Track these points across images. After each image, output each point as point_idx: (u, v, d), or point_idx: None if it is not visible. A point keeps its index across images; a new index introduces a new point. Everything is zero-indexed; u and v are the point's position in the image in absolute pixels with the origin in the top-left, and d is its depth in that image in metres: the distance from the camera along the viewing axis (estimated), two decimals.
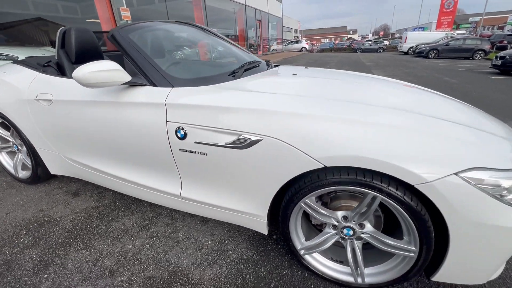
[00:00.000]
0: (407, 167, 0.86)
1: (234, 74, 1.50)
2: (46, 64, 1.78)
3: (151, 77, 1.31)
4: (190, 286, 1.19)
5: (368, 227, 1.07)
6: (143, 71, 1.32)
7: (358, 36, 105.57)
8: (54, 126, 1.61)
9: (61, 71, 1.74)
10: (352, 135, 0.94)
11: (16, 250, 1.41)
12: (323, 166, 0.96)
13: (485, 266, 0.95)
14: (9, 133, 1.95)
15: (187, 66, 1.52)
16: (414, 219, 0.92)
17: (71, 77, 1.50)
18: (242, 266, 1.29)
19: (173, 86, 1.29)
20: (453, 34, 20.81)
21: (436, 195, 0.86)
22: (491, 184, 0.85)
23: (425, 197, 0.90)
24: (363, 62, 13.30)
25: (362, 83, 1.51)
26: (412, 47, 19.03)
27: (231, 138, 1.09)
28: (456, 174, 0.84)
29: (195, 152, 1.19)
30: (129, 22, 7.27)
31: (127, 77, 1.26)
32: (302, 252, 1.19)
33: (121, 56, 2.28)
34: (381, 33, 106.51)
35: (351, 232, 1.09)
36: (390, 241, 1.03)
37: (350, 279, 1.14)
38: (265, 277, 1.23)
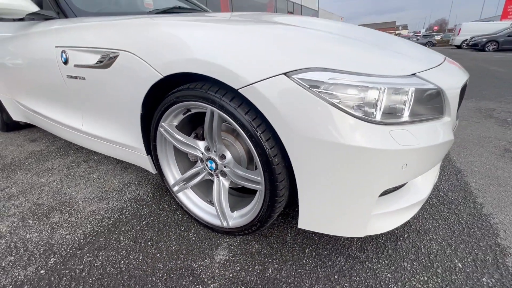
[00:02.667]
0: (230, 67, 0.71)
1: (151, 12, 1.44)
2: None
3: (62, 11, 1.30)
4: (67, 214, 1.17)
5: (228, 157, 0.91)
6: (54, 8, 1.32)
7: (408, 32, 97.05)
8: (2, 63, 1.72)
9: None
10: (189, 40, 0.81)
11: None
12: (162, 76, 0.85)
13: (355, 210, 0.75)
14: None
15: (106, 6, 1.49)
16: (250, 137, 0.76)
17: None
18: (128, 204, 1.23)
19: (76, 17, 1.28)
20: None
21: (260, 101, 0.69)
22: (337, 90, 0.65)
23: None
24: None
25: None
26: (466, 39, 16.76)
27: (97, 57, 1.03)
28: (285, 74, 0.67)
29: (76, 77, 1.16)
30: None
31: (34, 8, 1.28)
32: (175, 188, 1.08)
33: None
34: (436, 27, 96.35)
35: (214, 166, 0.95)
36: (241, 171, 0.87)
37: (217, 221, 1.00)
38: (143, 215, 1.15)
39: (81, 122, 1.34)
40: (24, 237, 1.04)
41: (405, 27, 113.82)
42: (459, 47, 18.05)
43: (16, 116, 2.00)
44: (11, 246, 0.99)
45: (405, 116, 0.70)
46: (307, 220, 0.81)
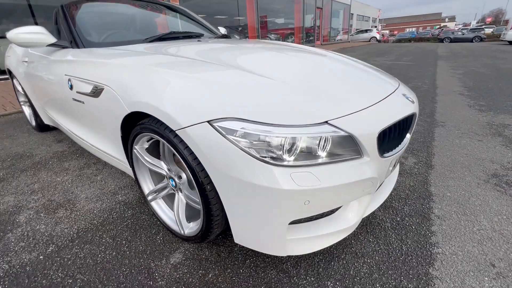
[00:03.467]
0: (168, 111, 0.88)
1: (147, 39, 1.66)
2: None
3: (70, 40, 1.58)
4: (69, 211, 1.45)
5: (183, 178, 1.09)
6: (68, 38, 1.60)
7: (456, 24, 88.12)
8: (31, 83, 2.09)
9: None
10: (141, 85, 1.00)
11: None
12: (129, 112, 1.05)
13: (271, 234, 0.89)
14: (21, 88, 2.57)
15: (111, 36, 1.74)
16: (189, 167, 0.92)
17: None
18: (117, 206, 1.48)
19: (84, 47, 1.53)
20: None
21: (191, 142, 0.85)
22: (247, 138, 0.79)
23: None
24: (435, 53, 11.30)
25: (252, 49, 1.46)
26: None
27: (89, 88, 1.27)
28: (209, 122, 0.82)
29: (78, 101, 1.42)
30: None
31: (52, 39, 1.56)
32: (149, 198, 1.29)
33: None
34: (489, 19, 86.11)
35: (174, 183, 1.14)
36: (188, 192, 1.04)
37: (177, 228, 1.19)
38: (126, 217, 1.39)
39: (84, 132, 1.61)
40: (34, 228, 1.33)
41: (452, 18, 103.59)
42: (511, 43, 16.22)
43: (46, 121, 2.39)
44: (24, 234, 1.29)
45: (312, 160, 0.81)
46: (239, 237, 0.96)
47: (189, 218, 1.16)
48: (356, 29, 31.66)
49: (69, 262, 1.12)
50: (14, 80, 2.58)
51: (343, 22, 22.11)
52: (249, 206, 0.85)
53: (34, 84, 2.06)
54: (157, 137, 1.00)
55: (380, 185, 1.20)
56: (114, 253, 1.16)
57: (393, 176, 1.35)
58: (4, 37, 5.91)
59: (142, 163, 1.25)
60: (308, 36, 16.27)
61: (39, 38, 1.53)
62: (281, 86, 0.94)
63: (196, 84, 0.92)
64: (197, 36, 1.97)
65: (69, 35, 1.61)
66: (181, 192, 1.14)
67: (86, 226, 1.33)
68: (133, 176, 1.38)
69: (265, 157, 0.78)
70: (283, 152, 0.79)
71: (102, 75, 1.20)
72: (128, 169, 1.38)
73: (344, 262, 1.09)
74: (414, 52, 11.64)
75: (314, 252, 1.14)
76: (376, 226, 1.29)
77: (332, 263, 1.09)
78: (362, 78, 1.15)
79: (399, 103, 1.06)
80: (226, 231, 1.24)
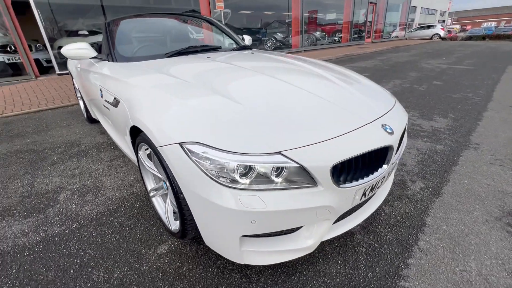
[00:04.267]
0: (152, 130, 1.07)
1: (167, 54, 1.89)
2: (92, 45, 2.72)
3: (107, 55, 1.90)
4: (95, 196, 1.78)
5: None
6: (106, 52, 1.93)
7: None
8: (82, 84, 2.53)
9: (100, 50, 2.64)
10: (142, 102, 1.20)
11: (51, 154, 2.43)
12: (132, 125, 1.27)
13: (228, 243, 1.02)
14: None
15: (141, 50, 2.01)
16: (168, 178, 1.10)
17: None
18: (131, 197, 1.76)
19: (117, 61, 1.84)
20: None
21: (167, 158, 1.03)
22: (207, 159, 0.93)
23: None
24: (510, 56, 9.68)
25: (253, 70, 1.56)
26: None
27: (111, 99, 1.54)
28: (179, 143, 0.98)
29: (106, 107, 1.72)
30: (224, 12, 8.40)
31: (93, 53, 1.90)
32: (151, 194, 1.52)
33: None
34: None
35: (166, 186, 1.34)
36: (172, 199, 1.22)
37: (167, 223, 1.40)
38: (135, 207, 1.65)
39: (111, 131, 1.93)
40: (67, 206, 1.68)
41: None
42: None
43: (93, 115, 2.86)
44: (59, 211, 1.64)
45: (264, 185, 0.91)
46: (207, 241, 1.12)
47: (177, 217, 1.35)
48: (419, 24, 28.57)
49: (85, 238, 1.41)
50: (73, 79, 3.12)
51: (401, 17, 20.19)
52: (209, 217, 0.99)
53: (83, 86, 2.49)
54: (149, 148, 1.20)
55: (361, 204, 1.23)
56: (117, 237, 1.42)
57: (377, 199, 1.35)
58: (82, 34, 7.00)
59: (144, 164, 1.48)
60: (358, 33, 15.34)
61: (84, 52, 1.88)
62: (249, 114, 1.05)
63: (178, 108, 1.08)
64: (215, 48, 2.14)
65: (106, 50, 1.93)
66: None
67: (104, 210, 1.63)
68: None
69: (221, 179, 0.91)
70: (236, 176, 0.90)
71: (120, 90, 1.45)
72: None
73: (305, 278, 1.17)
74: (481, 54, 10.14)
75: (279, 264, 1.23)
76: (350, 248, 1.32)
77: (293, 277, 1.17)
78: (340, 105, 1.18)
79: (372, 134, 1.07)
80: None
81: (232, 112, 1.06)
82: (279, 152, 0.92)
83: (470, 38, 25.50)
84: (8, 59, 5.24)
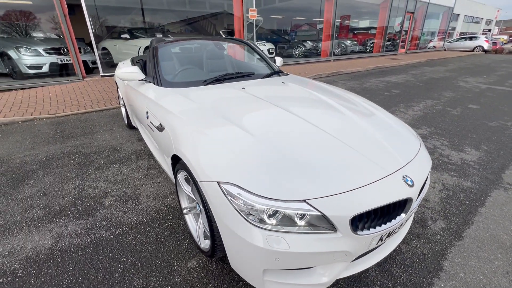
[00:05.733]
0: (194, 165, 1.23)
1: (205, 82, 2.08)
2: (137, 61, 3.01)
3: (154, 78, 2.13)
4: (134, 204, 2.01)
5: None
6: (153, 75, 2.16)
7: None
8: (127, 97, 2.82)
9: (144, 67, 2.91)
10: (187, 138, 1.37)
11: (97, 157, 2.74)
12: (175, 153, 1.46)
13: (251, 272, 1.16)
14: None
15: (184, 73, 2.22)
16: (204, 207, 1.26)
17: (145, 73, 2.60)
18: (165, 209, 1.97)
19: (162, 86, 2.06)
20: None
21: (206, 193, 1.19)
22: (242, 201, 1.07)
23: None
24: None
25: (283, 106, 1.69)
26: None
27: (157, 124, 1.75)
28: (217, 182, 1.14)
29: (150, 128, 1.94)
30: (256, 19, 8.61)
31: (141, 76, 2.15)
32: (184, 211, 1.71)
33: None
34: None
35: (199, 208, 1.51)
36: (204, 223, 1.39)
37: (198, 241, 1.57)
38: (168, 219, 1.85)
39: (152, 147, 2.16)
40: (111, 212, 1.92)
41: None
42: None
43: (133, 123, 3.16)
44: (105, 216, 1.89)
45: (291, 229, 1.04)
46: (233, 264, 1.26)
47: (206, 236, 1.52)
48: (461, 34, 26.84)
49: (126, 245, 1.63)
50: (118, 89, 3.45)
51: (441, 25, 19.15)
52: (237, 247, 1.13)
53: (128, 98, 2.78)
54: (189, 176, 1.38)
55: (377, 247, 1.31)
56: (154, 247, 1.62)
57: (395, 240, 1.41)
58: (124, 38, 7.60)
59: (183, 186, 1.67)
60: (391, 42, 14.83)
61: (134, 75, 2.13)
62: (279, 159, 1.17)
63: (217, 148, 1.24)
64: (248, 75, 2.29)
65: (152, 72, 2.17)
66: None
67: (142, 219, 1.85)
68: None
69: (250, 217, 1.05)
70: (265, 217, 1.04)
71: (164, 118, 1.66)
72: (174, 183, 1.83)
73: None
74: None
75: None
76: (364, 285, 1.40)
77: None
78: (363, 152, 1.27)
79: (392, 187, 1.15)
80: None
81: (264, 155, 1.19)
82: (304, 200, 1.04)
83: None
84: (61, 61, 5.83)
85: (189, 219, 1.70)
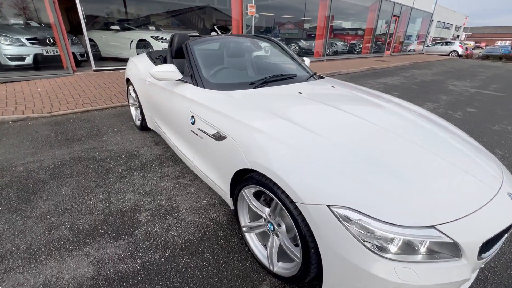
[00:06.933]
0: (293, 186, 1.08)
1: (253, 84, 1.91)
2: (157, 57, 2.74)
3: (193, 79, 1.92)
4: (175, 219, 1.80)
5: (282, 228, 1.31)
6: (191, 74, 1.95)
7: None
8: (149, 97, 2.56)
9: (164, 63, 2.65)
10: (271, 151, 1.21)
11: (115, 164, 2.46)
12: (250, 168, 1.29)
13: None
14: (135, 96, 3.12)
15: (224, 74, 2.03)
16: (299, 231, 1.12)
17: None
18: (211, 223, 1.78)
19: (203, 87, 1.86)
20: None
21: (309, 217, 1.04)
22: (362, 227, 0.95)
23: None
24: None
25: (356, 112, 1.57)
26: None
27: (213, 131, 1.56)
28: (328, 206, 1.00)
29: (197, 135, 1.74)
30: (254, 16, 8.41)
31: (179, 76, 1.92)
32: (244, 229, 1.55)
33: None
34: None
35: (272, 228, 1.36)
36: (287, 243, 1.25)
37: (266, 263, 1.42)
38: (220, 236, 1.68)
39: (192, 156, 1.95)
40: (152, 230, 1.70)
41: None
42: None
43: (149, 125, 2.89)
44: (146, 234, 1.67)
45: (414, 258, 0.93)
46: None
47: (282, 258, 1.37)
48: (433, 38, 28.32)
49: (183, 269, 1.44)
50: (130, 87, 3.14)
51: (421, 30, 20.08)
52: (350, 282, 1.00)
53: (151, 100, 2.51)
54: (272, 196, 1.22)
55: None
56: (215, 271, 1.44)
57: None
58: (114, 29, 7.01)
59: (246, 201, 1.50)
60: (378, 45, 15.28)
61: (171, 75, 1.90)
62: (389, 177, 1.06)
63: (314, 162, 1.10)
64: (291, 77, 2.15)
65: (189, 72, 1.95)
66: (277, 236, 1.36)
67: (190, 237, 1.66)
68: (230, 205, 1.65)
69: (373, 247, 0.93)
70: (389, 246, 0.92)
71: (225, 125, 1.47)
72: (227, 198, 1.66)
73: None
74: (504, 78, 10.08)
75: None
76: None
77: None
78: (465, 168, 1.19)
79: (505, 205, 1.08)
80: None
81: (371, 173, 1.07)
82: (432, 226, 0.93)
83: (487, 57, 25.30)
84: (47, 52, 5.27)
85: (251, 238, 1.54)
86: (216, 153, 1.59)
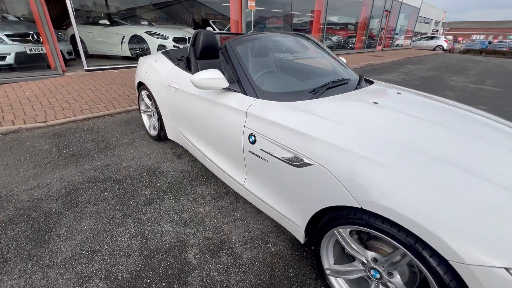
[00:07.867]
0: (446, 239, 0.82)
1: (314, 92, 1.62)
2: (180, 58, 2.38)
3: (243, 87, 1.61)
4: (231, 257, 1.51)
5: (397, 279, 1.05)
6: (238, 81, 1.64)
7: None
8: (174, 105, 2.21)
9: (188, 66, 2.30)
10: (399, 189, 0.94)
11: (138, 185, 2.11)
12: (360, 207, 1.02)
13: None
14: (151, 103, 2.75)
15: (275, 80, 1.73)
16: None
17: (192, 73, 2.01)
18: (275, 260, 1.51)
19: (257, 97, 1.55)
20: None
21: (473, 281, 0.79)
22: None
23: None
24: None
25: (465, 130, 1.32)
26: None
27: (289, 155, 1.27)
28: (507, 269, 0.75)
29: (259, 157, 1.44)
30: (253, 11, 8.03)
31: (226, 84, 1.60)
32: (328, 272, 1.29)
33: None
34: None
35: (378, 276, 1.10)
36: None
37: None
38: (291, 277, 1.41)
39: (243, 178, 1.65)
40: (208, 273, 1.40)
41: None
42: None
43: (170, 136, 2.54)
44: (202, 281, 1.36)
45: None
46: None
47: None
48: (416, 33, 28.98)
49: None
50: (143, 92, 2.75)
51: (409, 26, 20.40)
52: None
53: (178, 109, 2.16)
54: (397, 244, 0.96)
55: None
56: None
57: None
58: (103, 24, 6.39)
59: (335, 241, 1.23)
60: (370, 41, 15.31)
61: (217, 83, 1.58)
62: None
63: (475, 208, 0.85)
64: (345, 82, 1.87)
65: (235, 77, 1.64)
66: (384, 286, 1.11)
67: (257, 282, 1.37)
68: (300, 239, 1.38)
69: None
70: None
71: (309, 149, 1.18)
72: (296, 231, 1.38)
73: None
74: (495, 72, 10.36)
75: None
76: None
77: None
78: None
79: None
80: None
81: None
82: None
83: (468, 51, 26.25)
84: (31, 50, 4.67)
85: (337, 283, 1.28)
86: (290, 182, 1.30)
